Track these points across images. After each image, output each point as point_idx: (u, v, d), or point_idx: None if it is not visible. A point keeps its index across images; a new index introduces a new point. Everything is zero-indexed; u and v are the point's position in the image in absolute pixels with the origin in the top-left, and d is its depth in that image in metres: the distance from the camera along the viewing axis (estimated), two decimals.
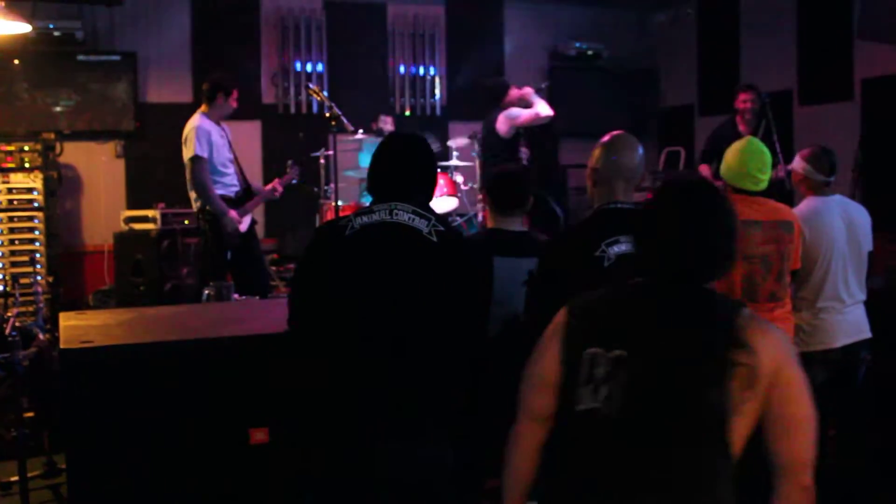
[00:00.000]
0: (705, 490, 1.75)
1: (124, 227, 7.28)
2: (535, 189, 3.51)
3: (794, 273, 3.59)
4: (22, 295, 5.39)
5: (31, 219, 6.98)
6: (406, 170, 2.51)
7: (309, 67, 8.50)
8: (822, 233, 3.75)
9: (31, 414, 4.29)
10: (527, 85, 6.88)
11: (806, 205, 3.86)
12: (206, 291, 4.42)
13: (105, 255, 7.56)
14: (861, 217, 3.92)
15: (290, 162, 6.13)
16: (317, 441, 2.34)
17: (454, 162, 7.55)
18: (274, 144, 8.33)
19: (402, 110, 8.85)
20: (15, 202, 6.94)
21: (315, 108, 8.44)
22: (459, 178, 7.48)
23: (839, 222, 3.81)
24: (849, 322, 3.81)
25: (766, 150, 3.55)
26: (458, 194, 7.37)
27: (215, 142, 5.54)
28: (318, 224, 7.25)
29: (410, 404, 2.30)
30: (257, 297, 5.01)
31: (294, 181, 6.12)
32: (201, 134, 5.45)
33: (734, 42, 8.58)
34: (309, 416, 2.39)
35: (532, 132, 6.95)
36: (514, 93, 6.72)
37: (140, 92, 7.88)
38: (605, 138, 2.75)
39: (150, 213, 7.27)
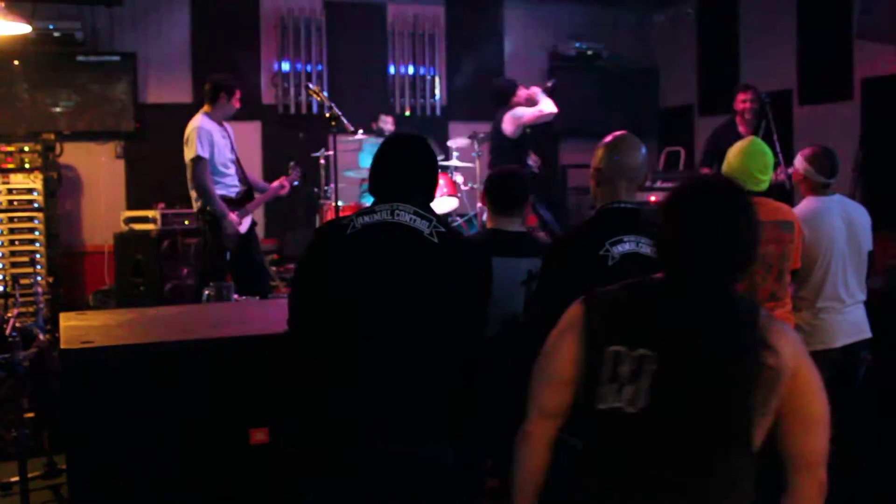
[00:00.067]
0: (728, 491, 1.75)
1: (124, 228, 7.29)
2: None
3: (794, 273, 3.59)
4: (22, 295, 5.40)
5: (31, 219, 6.99)
6: (408, 170, 2.50)
7: (309, 68, 8.51)
8: (821, 233, 3.75)
9: (31, 414, 4.28)
10: (531, 85, 6.89)
11: (806, 205, 3.86)
12: (206, 291, 4.43)
13: (105, 256, 7.57)
14: (861, 217, 3.92)
15: (291, 163, 6.13)
16: (317, 441, 2.33)
17: (454, 162, 7.55)
18: (274, 145, 8.34)
19: (402, 110, 8.84)
20: (15, 203, 6.95)
21: (315, 109, 8.44)
22: (459, 179, 7.47)
23: (839, 222, 3.80)
24: (849, 322, 3.81)
25: (768, 150, 3.55)
26: (459, 194, 7.37)
27: (217, 142, 5.54)
28: (318, 224, 7.25)
29: (410, 404, 2.30)
30: (257, 298, 5.01)
31: (296, 183, 6.12)
32: (203, 134, 5.45)
33: (734, 42, 8.57)
34: (309, 416, 2.38)
35: (534, 134, 6.95)
36: (522, 93, 6.73)
37: (140, 92, 7.89)
38: (608, 138, 2.75)
39: (150, 213, 7.28)
